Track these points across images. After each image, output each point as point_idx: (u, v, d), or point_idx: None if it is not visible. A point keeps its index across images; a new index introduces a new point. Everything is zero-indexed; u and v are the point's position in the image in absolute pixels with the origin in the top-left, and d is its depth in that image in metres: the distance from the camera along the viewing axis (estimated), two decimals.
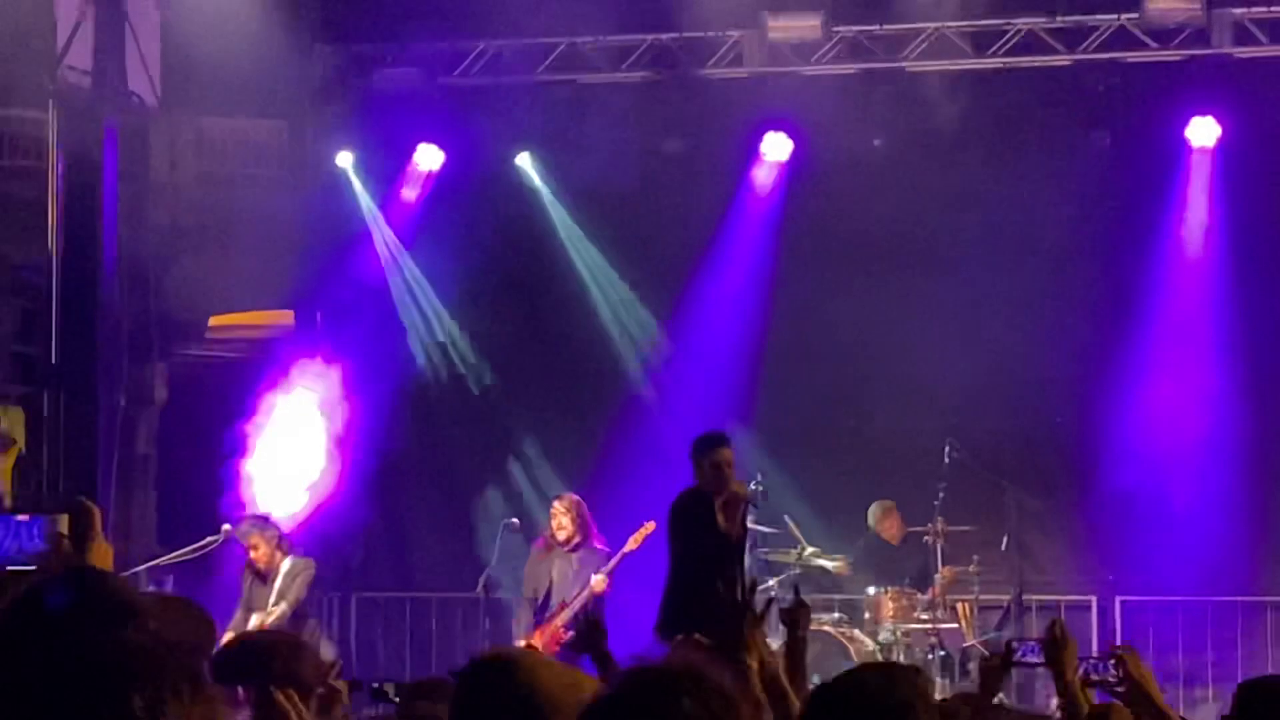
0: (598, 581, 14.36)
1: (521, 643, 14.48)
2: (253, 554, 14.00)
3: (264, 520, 14.41)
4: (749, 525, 12.59)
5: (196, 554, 14.67)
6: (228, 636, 13.01)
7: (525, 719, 3.88)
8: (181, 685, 2.50)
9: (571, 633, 14.13)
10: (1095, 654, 6.51)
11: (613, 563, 14.41)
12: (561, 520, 14.68)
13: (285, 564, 13.95)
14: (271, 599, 13.84)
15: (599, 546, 14.64)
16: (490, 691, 4.00)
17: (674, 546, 12.25)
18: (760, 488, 14.58)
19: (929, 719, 4.24)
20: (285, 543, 14.25)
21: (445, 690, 7.34)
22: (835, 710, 4.27)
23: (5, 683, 2.53)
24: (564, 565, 14.64)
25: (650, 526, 14.12)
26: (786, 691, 6.10)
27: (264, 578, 13.93)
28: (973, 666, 15.30)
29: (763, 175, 18.10)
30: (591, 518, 14.77)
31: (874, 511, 16.60)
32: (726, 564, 12.01)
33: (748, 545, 12.63)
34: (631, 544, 14.39)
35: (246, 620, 13.79)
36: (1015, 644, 6.71)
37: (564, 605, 14.52)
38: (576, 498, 14.92)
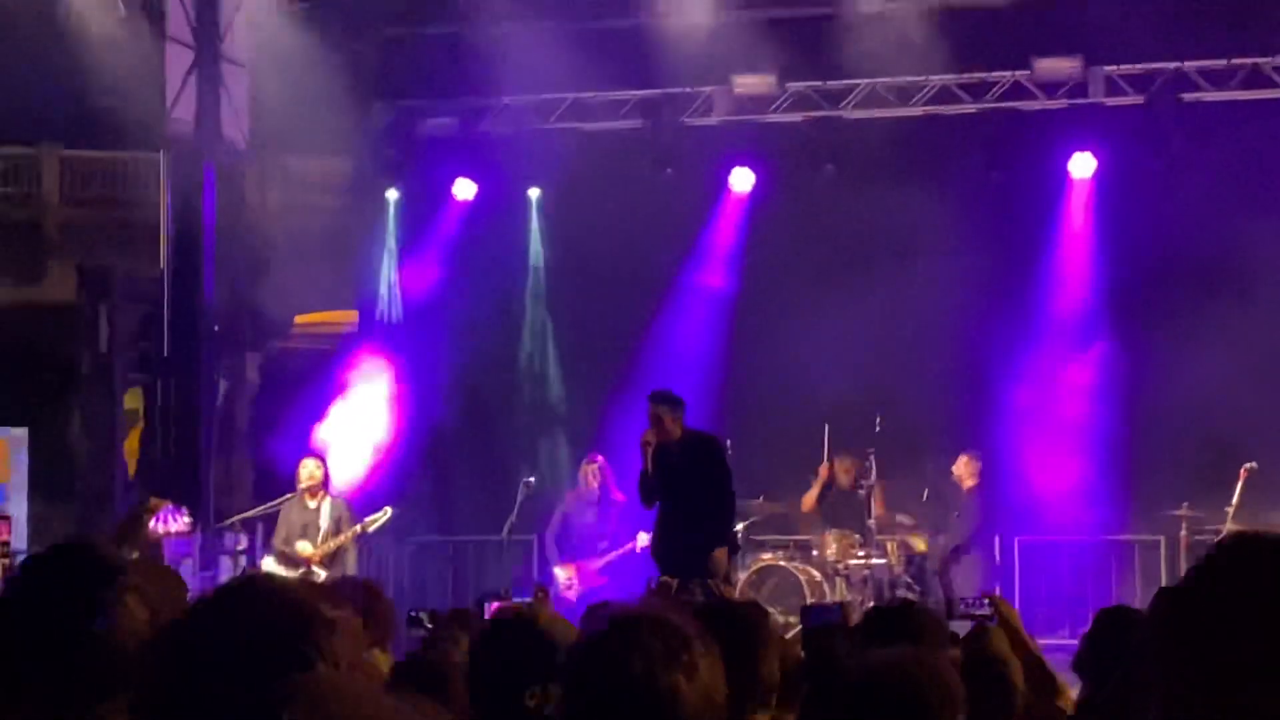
0: (642, 537, 14.46)
1: (559, 571, 15.20)
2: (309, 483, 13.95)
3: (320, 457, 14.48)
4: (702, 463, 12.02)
5: (276, 508, 14.68)
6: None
7: (542, 657, 3.89)
8: (330, 627, 2.22)
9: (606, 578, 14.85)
10: (971, 596, 6.52)
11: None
12: (589, 478, 15.23)
13: (328, 501, 13.94)
14: (323, 534, 13.82)
15: (618, 498, 14.94)
16: (514, 636, 4.06)
17: None
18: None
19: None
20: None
21: (468, 618, 7.42)
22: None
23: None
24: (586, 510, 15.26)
25: None
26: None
27: (316, 501, 13.90)
28: (900, 592, 15.38)
29: (731, 202, 18.12)
30: (612, 476, 15.07)
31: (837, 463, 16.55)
32: (662, 505, 11.92)
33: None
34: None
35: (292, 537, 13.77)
36: (960, 601, 6.71)
37: (600, 553, 15.01)
38: (601, 459, 15.29)
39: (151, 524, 5.05)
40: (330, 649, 2.18)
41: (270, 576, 2.37)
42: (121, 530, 4.29)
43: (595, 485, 15.31)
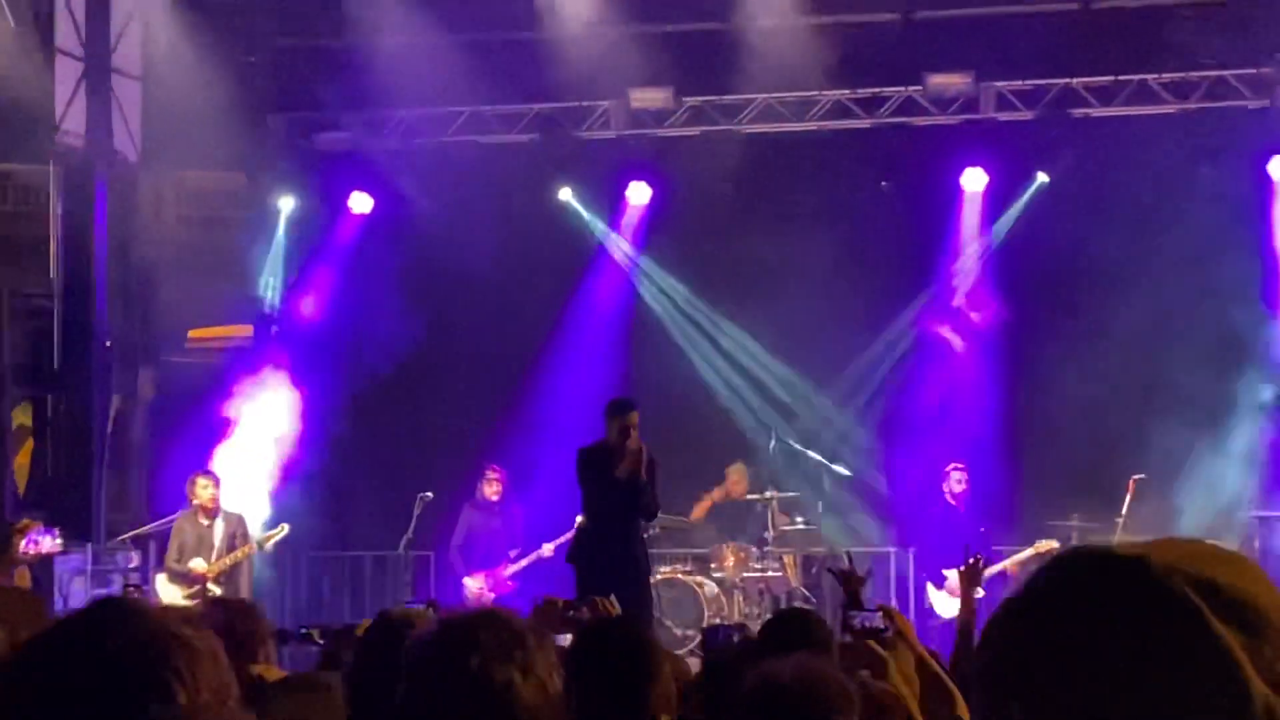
0: (546, 548, 15.10)
1: (469, 581, 15.43)
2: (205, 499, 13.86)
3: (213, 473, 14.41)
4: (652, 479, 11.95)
5: (168, 524, 14.45)
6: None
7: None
8: (191, 652, 2.08)
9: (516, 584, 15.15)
10: (865, 609, 6.44)
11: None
12: (494, 486, 15.60)
13: (222, 516, 13.84)
14: (216, 551, 13.67)
15: (517, 508, 15.51)
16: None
17: (582, 490, 12.05)
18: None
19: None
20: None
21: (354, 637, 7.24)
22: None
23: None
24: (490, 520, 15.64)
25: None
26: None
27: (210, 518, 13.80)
28: (797, 603, 15.30)
29: (627, 216, 18.04)
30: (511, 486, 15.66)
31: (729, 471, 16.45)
32: (617, 508, 11.73)
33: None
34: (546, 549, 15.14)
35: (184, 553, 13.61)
36: (853, 615, 6.61)
37: (509, 559, 15.38)
38: (500, 470, 15.70)
39: (22, 545, 4.85)
40: (192, 675, 2.06)
41: (129, 600, 2.20)
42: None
43: (496, 496, 15.43)
